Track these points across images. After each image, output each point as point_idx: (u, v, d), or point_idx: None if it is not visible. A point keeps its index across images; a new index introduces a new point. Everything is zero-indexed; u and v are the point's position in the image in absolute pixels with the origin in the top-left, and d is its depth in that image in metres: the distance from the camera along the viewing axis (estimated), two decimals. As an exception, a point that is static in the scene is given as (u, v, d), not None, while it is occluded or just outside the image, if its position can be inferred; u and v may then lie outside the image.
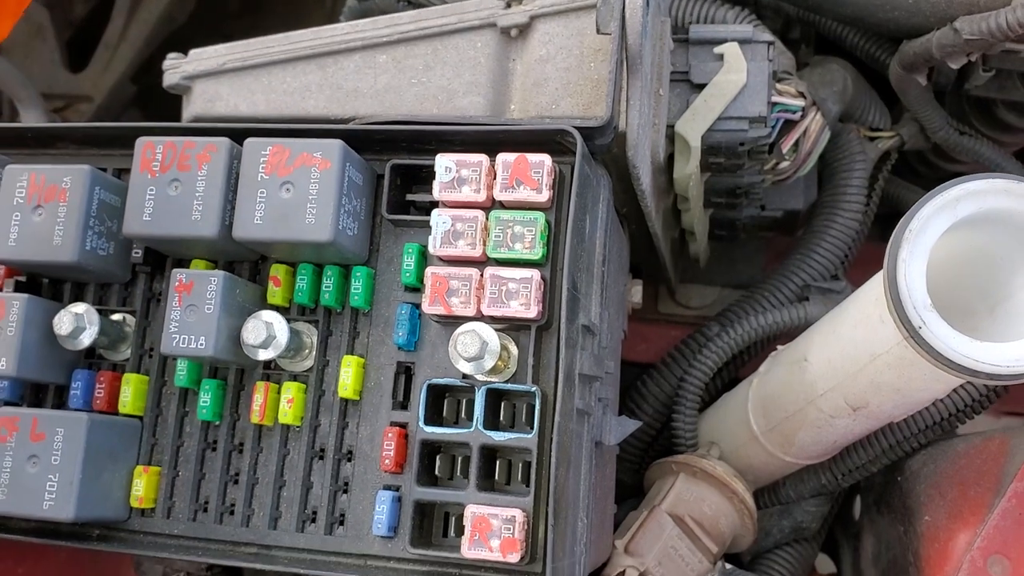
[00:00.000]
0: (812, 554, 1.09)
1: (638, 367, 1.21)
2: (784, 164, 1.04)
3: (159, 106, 1.07)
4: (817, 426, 0.90)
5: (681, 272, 1.32)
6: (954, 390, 0.94)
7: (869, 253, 1.11)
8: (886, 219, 1.23)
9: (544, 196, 0.71)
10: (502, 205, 0.72)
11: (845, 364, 0.83)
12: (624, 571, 0.90)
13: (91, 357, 0.82)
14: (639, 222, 0.96)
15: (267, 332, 0.73)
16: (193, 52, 0.94)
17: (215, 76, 0.92)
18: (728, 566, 0.96)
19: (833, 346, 0.85)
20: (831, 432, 0.90)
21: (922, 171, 1.33)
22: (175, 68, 0.93)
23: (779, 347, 0.98)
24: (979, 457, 0.92)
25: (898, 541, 0.97)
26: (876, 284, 0.80)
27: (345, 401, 0.76)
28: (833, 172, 1.15)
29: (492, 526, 0.67)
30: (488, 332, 0.70)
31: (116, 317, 0.81)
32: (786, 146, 1.02)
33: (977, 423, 1.07)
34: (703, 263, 1.23)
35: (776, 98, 0.95)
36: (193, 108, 0.92)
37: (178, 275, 0.73)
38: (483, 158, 0.72)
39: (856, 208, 1.13)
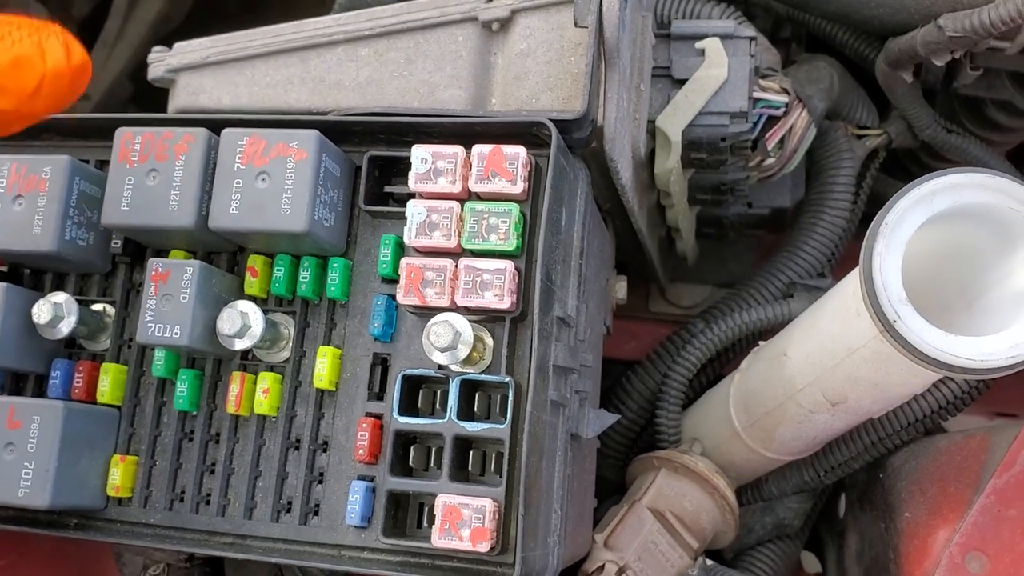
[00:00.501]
0: (795, 551, 1.09)
1: (627, 365, 1.21)
2: (769, 161, 1.04)
3: (156, 103, 1.08)
4: (797, 421, 0.90)
5: (672, 271, 1.32)
6: (935, 386, 0.94)
7: (857, 252, 1.11)
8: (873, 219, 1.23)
9: (519, 188, 0.71)
10: (478, 196, 0.73)
11: (823, 358, 0.83)
12: (603, 565, 0.91)
13: (71, 347, 0.82)
14: (623, 218, 0.97)
15: (242, 322, 0.73)
16: (177, 45, 0.94)
17: (199, 69, 0.92)
18: (709, 562, 0.96)
19: (812, 341, 0.85)
20: (811, 428, 0.90)
21: (914, 170, 1.33)
22: (160, 61, 0.93)
23: (761, 343, 0.98)
24: (960, 454, 0.92)
25: (880, 538, 0.96)
26: (854, 278, 0.80)
27: (321, 392, 0.76)
28: (820, 170, 1.15)
29: (463, 516, 0.67)
30: (461, 323, 0.70)
31: (96, 307, 0.81)
32: (771, 143, 1.02)
33: (969, 424, 1.07)
34: (691, 261, 1.23)
35: (759, 94, 0.95)
36: (177, 101, 0.93)
37: (154, 264, 0.74)
38: (459, 149, 0.72)
39: (843, 206, 1.13)
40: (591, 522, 0.92)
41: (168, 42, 1.69)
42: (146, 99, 1.98)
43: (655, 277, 1.24)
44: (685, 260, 1.22)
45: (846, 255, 1.18)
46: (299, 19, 0.92)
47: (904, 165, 1.34)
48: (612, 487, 1.12)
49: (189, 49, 0.93)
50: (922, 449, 0.95)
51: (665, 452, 1.00)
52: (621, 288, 1.05)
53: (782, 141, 1.04)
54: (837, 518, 1.12)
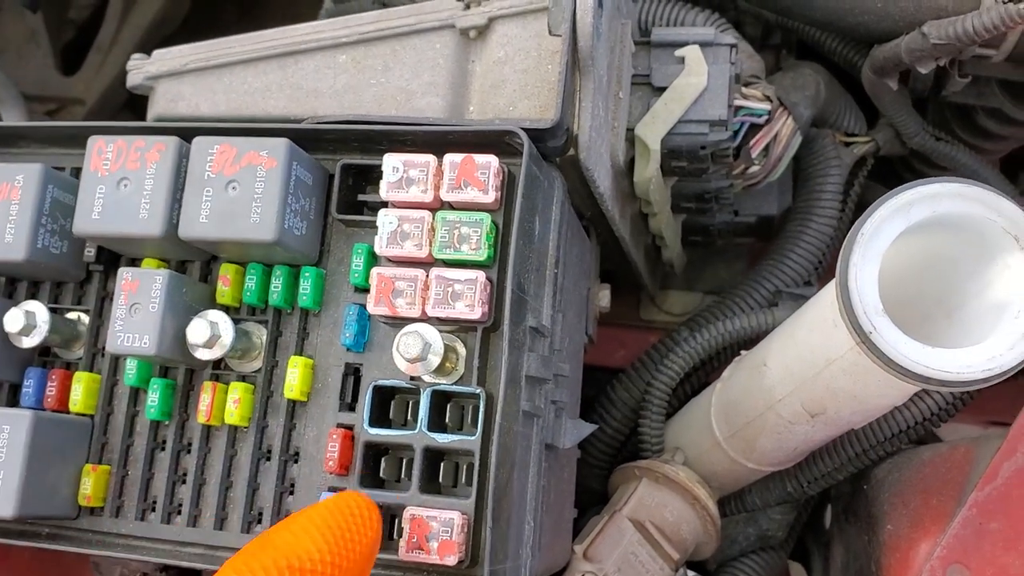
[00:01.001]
0: (779, 563, 1.08)
1: (615, 373, 1.21)
2: (754, 169, 1.03)
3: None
4: (777, 432, 0.89)
5: (662, 278, 1.31)
6: (918, 398, 0.93)
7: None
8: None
9: (490, 197, 0.70)
10: (450, 206, 0.72)
11: (802, 369, 0.82)
12: (582, 576, 0.90)
13: (46, 355, 0.82)
14: (606, 227, 0.96)
15: (211, 331, 0.72)
16: (157, 52, 0.94)
17: (178, 76, 0.92)
18: (691, 573, 0.95)
19: (791, 351, 0.84)
20: (791, 438, 0.89)
21: (907, 177, 1.32)
22: (138, 69, 0.93)
23: (743, 352, 0.97)
24: (944, 466, 0.91)
25: (864, 550, 0.95)
26: (831, 289, 0.79)
27: (292, 402, 0.76)
28: (808, 177, 1.15)
29: (431, 528, 0.67)
30: (431, 333, 0.70)
31: (71, 315, 0.81)
32: (755, 150, 1.01)
33: (962, 433, 1.06)
34: (678, 269, 1.22)
35: (741, 102, 0.94)
36: (156, 108, 0.92)
37: (124, 274, 0.73)
38: (431, 158, 0.71)
39: (830, 214, 1.12)
40: (570, 532, 0.91)
41: (166, 46, 1.68)
42: (141, 105, 1.98)
43: (643, 285, 1.23)
44: (672, 268, 1.22)
45: (833, 264, 1.17)
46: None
47: (897, 172, 1.33)
48: (597, 497, 1.11)
49: (168, 56, 0.93)
50: (906, 461, 0.94)
51: (647, 462, 0.99)
52: (604, 296, 1.05)
53: (767, 149, 1.04)
54: (823, 529, 1.11)
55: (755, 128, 0.99)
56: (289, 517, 0.61)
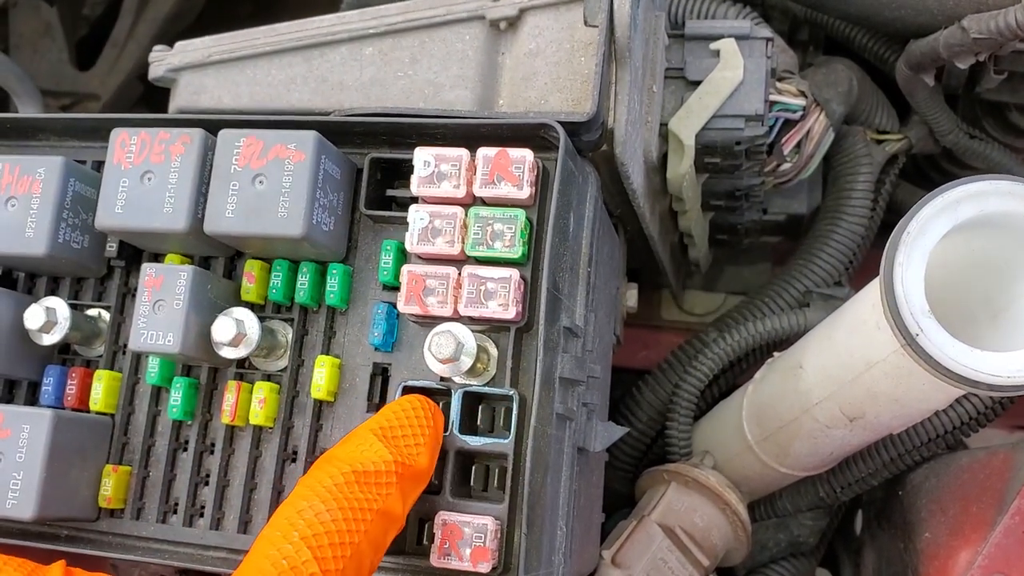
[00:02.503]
0: (810, 570, 1.06)
1: (638, 374, 1.18)
2: (786, 166, 1.01)
3: (167, 104, 1.06)
4: (813, 436, 0.86)
5: (685, 278, 1.29)
6: (957, 402, 0.91)
7: (875, 262, 1.08)
8: (893, 227, 1.20)
9: (525, 193, 0.68)
10: (482, 202, 0.70)
11: (840, 372, 0.80)
12: (611, 583, 0.87)
13: (65, 353, 0.80)
14: (634, 224, 0.94)
15: (237, 329, 0.70)
16: (179, 44, 0.92)
17: (200, 68, 0.90)
18: (720, 580, 0.93)
19: (828, 353, 0.82)
20: (827, 443, 0.86)
21: (934, 176, 1.30)
22: (160, 60, 0.91)
23: (776, 354, 0.95)
24: (982, 472, 0.89)
25: (899, 558, 0.93)
26: (873, 289, 0.77)
27: (319, 403, 0.74)
28: (838, 175, 1.12)
29: (463, 534, 0.64)
30: (464, 333, 0.67)
31: (91, 312, 0.79)
32: (788, 147, 0.99)
33: (989, 437, 1.03)
34: (704, 268, 1.20)
35: (775, 97, 0.92)
36: (178, 101, 0.91)
37: (148, 270, 0.71)
38: (463, 152, 0.69)
39: (861, 212, 1.09)
40: (598, 538, 0.89)
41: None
42: (156, 99, 1.97)
43: (667, 284, 1.21)
44: (697, 267, 1.19)
45: (864, 264, 1.15)
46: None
47: (924, 171, 1.31)
48: (622, 500, 1.09)
49: (191, 48, 0.91)
50: (943, 466, 0.92)
51: (675, 465, 0.97)
52: (632, 296, 1.03)
53: (799, 146, 1.02)
54: (854, 535, 1.09)
55: (788, 124, 0.97)
56: (350, 432, 0.63)
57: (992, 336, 0.75)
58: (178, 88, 0.91)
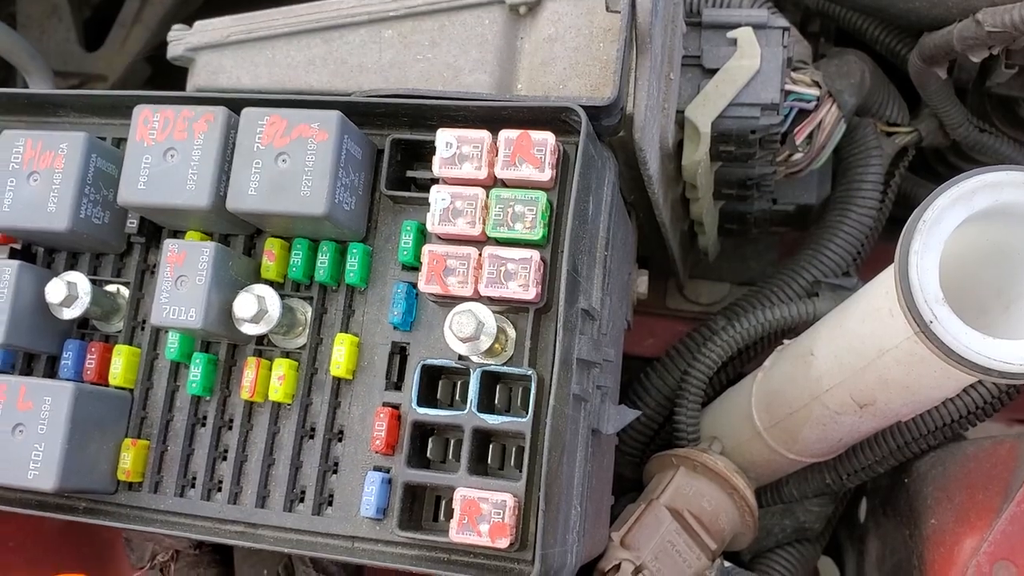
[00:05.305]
0: (815, 556, 1.07)
1: (645, 361, 1.19)
2: (797, 156, 1.02)
3: (173, 85, 1.07)
4: (822, 423, 0.87)
5: (691, 267, 1.30)
6: (965, 391, 0.92)
7: (883, 254, 1.09)
8: (902, 222, 1.21)
9: (546, 175, 0.69)
10: (503, 183, 0.71)
11: (852, 359, 0.81)
12: (619, 564, 0.89)
13: (84, 328, 0.80)
14: (647, 211, 0.94)
15: (258, 306, 0.71)
16: (198, 24, 0.92)
17: (219, 48, 0.91)
18: (727, 564, 0.94)
19: (840, 340, 0.83)
20: (836, 429, 0.87)
21: (941, 170, 1.31)
22: (179, 40, 0.91)
23: (785, 341, 0.96)
24: (988, 461, 0.90)
25: (903, 545, 0.94)
26: (887, 277, 0.77)
27: (338, 380, 0.75)
28: (848, 167, 1.13)
29: (482, 510, 0.65)
30: (485, 313, 0.68)
31: (110, 288, 0.80)
32: (800, 137, 1.00)
33: (988, 430, 1.04)
34: (712, 257, 1.21)
35: (790, 86, 0.93)
36: (196, 80, 0.91)
37: (170, 246, 0.72)
38: (485, 134, 0.70)
39: (871, 204, 1.10)
40: (608, 519, 0.90)
41: (187, 24, 1.66)
42: (163, 81, 1.96)
43: (675, 272, 1.22)
44: (706, 256, 1.20)
45: (872, 256, 1.16)
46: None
47: (931, 165, 1.32)
48: (629, 484, 1.10)
49: (210, 28, 0.91)
50: (949, 455, 0.93)
51: (684, 450, 0.98)
52: (642, 283, 1.03)
53: (811, 136, 1.02)
54: (857, 523, 1.10)
55: (802, 114, 0.98)
56: None
57: (1004, 326, 0.76)
58: (196, 68, 0.91)
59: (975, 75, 1.13)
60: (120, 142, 0.81)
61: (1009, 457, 0.89)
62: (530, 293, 0.68)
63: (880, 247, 1.17)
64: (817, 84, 0.97)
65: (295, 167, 0.70)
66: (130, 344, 0.78)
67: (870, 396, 0.81)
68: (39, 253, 0.82)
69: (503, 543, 0.64)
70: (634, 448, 1.11)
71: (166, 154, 0.73)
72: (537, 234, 0.68)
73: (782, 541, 1.04)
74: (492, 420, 0.68)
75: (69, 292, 0.75)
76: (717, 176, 0.99)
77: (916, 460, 0.95)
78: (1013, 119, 1.19)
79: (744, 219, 1.16)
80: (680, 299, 1.34)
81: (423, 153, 0.76)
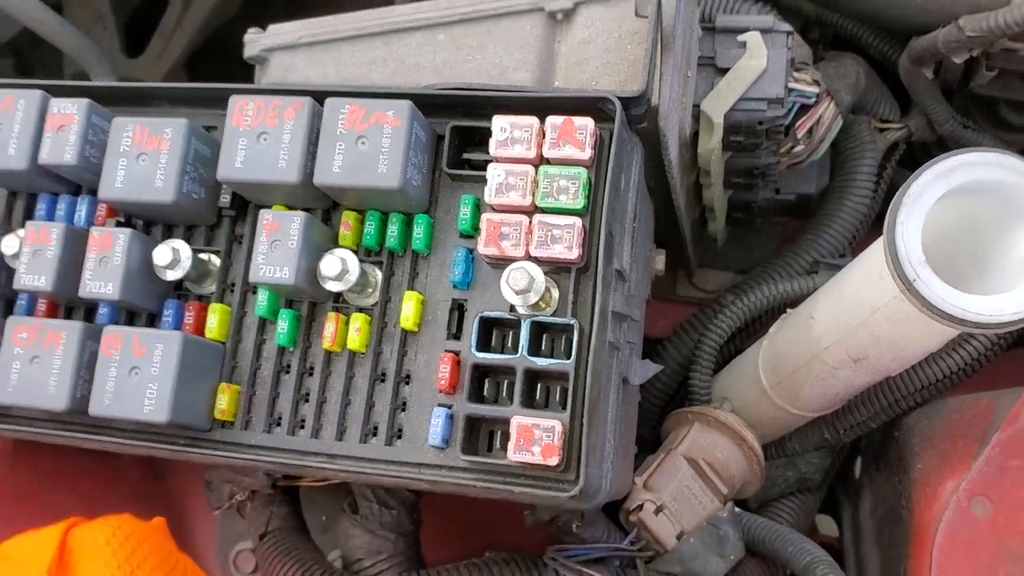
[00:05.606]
0: (814, 504, 1.19)
1: (657, 343, 1.31)
2: (799, 148, 1.14)
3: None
4: (821, 379, 0.99)
5: (699, 256, 1.42)
6: (947, 353, 1.04)
7: (872, 241, 1.21)
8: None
9: (587, 154, 0.81)
10: (549, 162, 0.83)
11: (847, 319, 0.92)
12: (642, 504, 1.00)
13: (178, 290, 0.92)
14: (664, 196, 1.06)
15: (341, 266, 0.83)
16: (271, 28, 1.05)
17: (291, 49, 1.03)
18: (737, 509, 1.06)
19: (837, 304, 0.95)
20: (834, 384, 0.99)
21: (928, 165, 1.43)
22: (255, 41, 1.04)
23: (789, 311, 1.08)
24: (969, 413, 1.02)
25: (893, 491, 1.06)
26: (877, 247, 0.89)
27: (405, 332, 0.86)
28: (845, 160, 1.25)
29: (534, 435, 0.77)
30: (536, 270, 0.80)
31: (202, 255, 0.92)
32: (801, 131, 1.12)
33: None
34: (720, 243, 1.33)
35: (793, 84, 1.05)
36: (270, 77, 1.03)
37: (265, 215, 0.84)
38: (534, 120, 0.82)
39: (865, 193, 1.23)
40: (632, 466, 1.01)
41: (221, 34, 1.80)
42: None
43: (686, 258, 1.34)
44: (715, 242, 1.32)
45: (864, 241, 1.28)
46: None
47: (919, 159, 1.44)
48: (647, 445, 1.21)
49: (282, 31, 1.04)
50: (934, 410, 1.05)
51: (699, 408, 1.09)
52: (660, 261, 1.15)
53: (811, 130, 1.15)
54: (853, 480, 1.22)
55: (803, 110, 1.10)
56: None
57: (978, 288, 0.87)
58: (269, 66, 1.04)
59: (959, 77, 1.25)
60: (209, 129, 0.93)
61: (987, 411, 1.01)
62: (573, 254, 0.80)
63: (872, 236, 1.29)
64: (817, 83, 1.09)
65: (372, 148, 0.83)
66: (221, 303, 0.90)
67: (863, 351, 0.93)
68: (138, 225, 0.94)
69: (553, 461, 0.76)
70: (651, 411, 1.23)
71: (259, 137, 0.85)
72: (579, 204, 0.80)
73: (785, 491, 1.16)
74: (540, 362, 0.80)
75: (174, 256, 0.87)
76: (726, 166, 1.12)
77: (904, 416, 1.07)
78: (994, 118, 1.32)
79: (750, 208, 1.28)
80: (689, 287, 1.45)
81: (476, 138, 0.88)
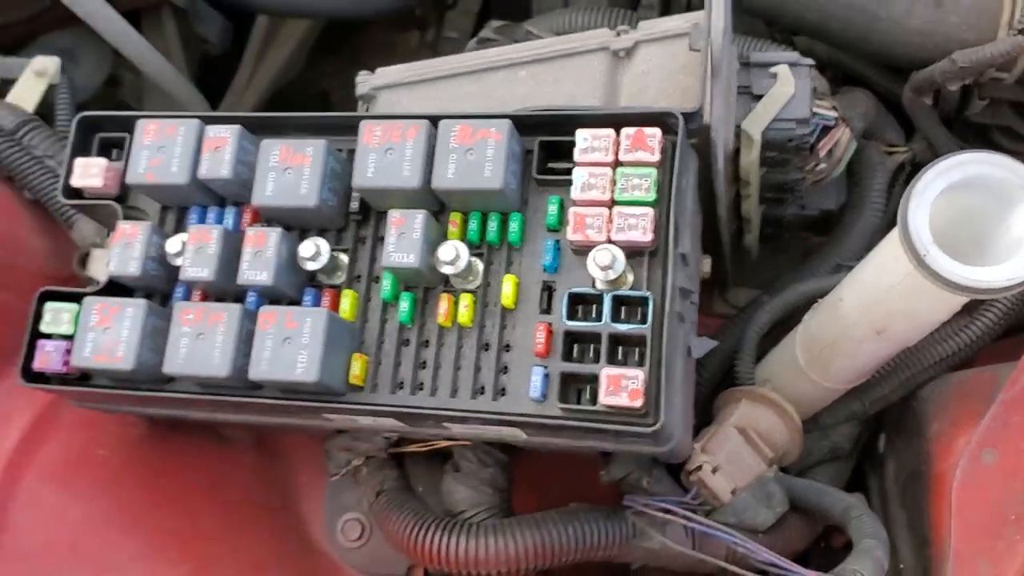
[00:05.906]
0: (845, 472, 1.35)
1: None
2: (822, 166, 1.34)
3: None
4: (851, 353, 1.17)
5: (734, 272, 1.61)
6: (956, 333, 1.22)
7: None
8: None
9: (656, 157, 1.00)
10: (624, 164, 1.02)
11: (869, 298, 1.10)
12: (701, 465, 1.17)
13: (312, 281, 1.11)
14: (709, 206, 1.26)
15: (455, 253, 1.02)
16: (379, 70, 1.25)
17: (396, 88, 1.24)
18: (780, 472, 1.23)
19: (860, 285, 1.13)
20: (860, 357, 1.17)
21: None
22: (365, 81, 1.25)
23: (819, 301, 1.26)
24: (975, 383, 1.19)
25: (913, 454, 1.23)
26: (892, 237, 1.08)
27: (504, 309, 1.04)
28: (859, 179, 1.45)
29: (621, 383, 0.95)
30: (617, 251, 0.99)
31: (334, 252, 1.10)
32: (823, 151, 1.32)
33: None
34: (754, 255, 1.52)
35: (815, 108, 1.25)
36: (379, 111, 1.24)
37: (393, 214, 1.03)
38: (611, 132, 1.01)
39: (878, 206, 1.42)
40: (692, 432, 1.18)
41: (286, 92, 2.05)
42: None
43: (723, 271, 1.52)
44: (749, 254, 1.51)
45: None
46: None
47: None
48: (698, 428, 1.38)
49: (389, 73, 1.24)
50: (945, 382, 1.23)
51: (747, 388, 1.27)
52: (707, 263, 1.32)
53: (831, 151, 1.34)
54: (877, 454, 1.38)
55: (824, 131, 1.30)
56: None
57: (978, 265, 1.06)
58: (378, 103, 1.24)
59: (956, 107, 1.45)
60: (340, 150, 1.13)
61: (991, 380, 1.18)
62: (647, 237, 0.98)
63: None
64: (834, 108, 1.29)
65: (479, 157, 1.02)
66: (351, 289, 1.09)
67: (883, 324, 1.10)
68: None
69: (638, 403, 0.94)
70: (701, 399, 1.40)
71: (386, 152, 1.05)
72: (651, 197, 0.99)
73: (820, 460, 1.33)
74: (623, 327, 0.98)
75: (316, 249, 1.06)
76: (761, 181, 1.31)
77: (919, 389, 1.24)
78: (987, 143, 1.52)
79: (779, 223, 1.47)
80: (723, 304, 1.64)
81: (558, 152, 1.08)
